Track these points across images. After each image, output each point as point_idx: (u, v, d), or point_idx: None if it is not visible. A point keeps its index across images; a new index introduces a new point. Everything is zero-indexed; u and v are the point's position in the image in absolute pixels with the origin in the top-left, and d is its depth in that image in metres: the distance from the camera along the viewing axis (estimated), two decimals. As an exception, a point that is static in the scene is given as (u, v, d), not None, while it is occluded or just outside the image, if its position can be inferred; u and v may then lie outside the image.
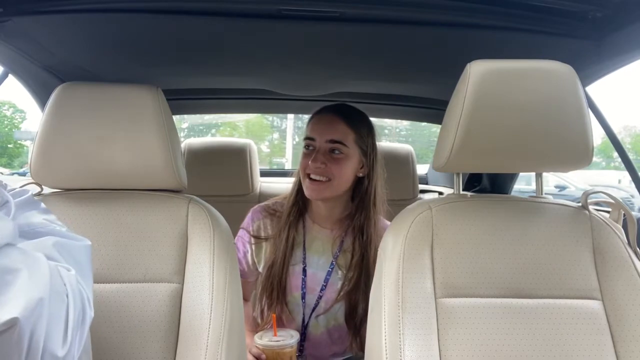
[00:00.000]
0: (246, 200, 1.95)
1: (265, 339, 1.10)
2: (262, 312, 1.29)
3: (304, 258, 1.26)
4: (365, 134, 1.25)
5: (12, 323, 0.48)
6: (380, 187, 1.28)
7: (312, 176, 1.20)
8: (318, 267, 1.26)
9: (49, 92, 0.93)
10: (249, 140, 2.01)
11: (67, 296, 0.57)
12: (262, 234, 1.28)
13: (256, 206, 1.33)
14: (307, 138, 1.25)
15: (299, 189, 1.27)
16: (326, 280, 1.24)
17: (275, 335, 1.11)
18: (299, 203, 1.28)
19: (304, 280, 1.24)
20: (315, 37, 1.19)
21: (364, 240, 1.23)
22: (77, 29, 1.13)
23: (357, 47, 1.25)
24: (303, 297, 1.24)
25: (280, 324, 1.25)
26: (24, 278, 0.52)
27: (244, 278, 1.32)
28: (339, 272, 1.25)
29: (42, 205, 0.72)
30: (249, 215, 1.32)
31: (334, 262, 1.25)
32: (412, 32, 1.13)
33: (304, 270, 1.25)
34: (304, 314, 1.25)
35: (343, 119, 1.22)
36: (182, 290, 0.89)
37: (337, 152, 1.20)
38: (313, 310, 1.25)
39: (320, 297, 1.24)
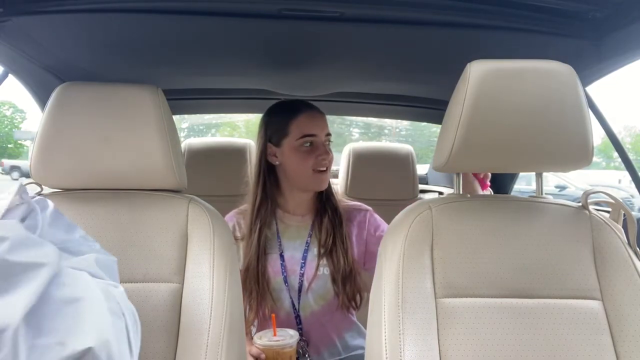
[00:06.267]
0: (246, 201, 1.94)
1: (264, 339, 1.10)
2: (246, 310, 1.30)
3: (280, 245, 1.30)
4: None
5: (86, 352, 0.53)
6: None
7: (321, 169, 1.27)
8: (295, 249, 1.30)
9: (49, 92, 0.93)
10: (249, 140, 2.00)
11: (123, 314, 0.62)
12: (238, 234, 1.33)
13: (229, 212, 1.39)
14: (308, 135, 1.26)
15: (264, 185, 1.31)
16: (304, 258, 1.28)
17: (274, 335, 1.11)
18: (267, 199, 1.32)
19: (282, 265, 1.28)
20: (315, 37, 1.19)
21: (330, 207, 1.32)
22: (77, 29, 1.13)
23: (357, 47, 1.25)
24: (285, 281, 1.27)
25: (270, 316, 1.26)
26: (87, 306, 0.56)
27: None
28: (315, 249, 1.29)
29: (66, 218, 0.74)
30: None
31: (308, 240, 1.30)
32: (412, 32, 1.13)
33: (281, 256, 1.29)
34: (291, 298, 1.27)
35: (322, 113, 1.32)
36: (182, 290, 0.89)
37: (328, 141, 1.31)
38: (299, 291, 1.27)
39: (302, 275, 1.27)
